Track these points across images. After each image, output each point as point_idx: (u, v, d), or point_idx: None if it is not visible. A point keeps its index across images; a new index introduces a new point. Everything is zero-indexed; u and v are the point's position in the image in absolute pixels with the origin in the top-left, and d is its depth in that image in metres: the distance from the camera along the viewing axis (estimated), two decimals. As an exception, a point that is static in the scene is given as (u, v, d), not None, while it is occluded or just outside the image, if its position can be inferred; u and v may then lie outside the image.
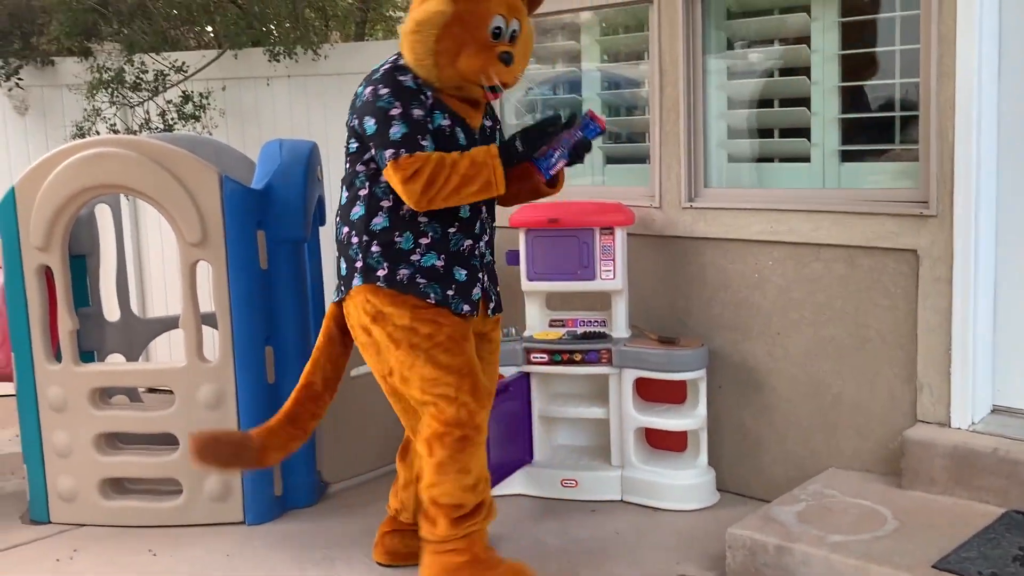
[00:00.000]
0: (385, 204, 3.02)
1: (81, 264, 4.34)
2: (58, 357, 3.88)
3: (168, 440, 3.87)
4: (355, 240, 3.05)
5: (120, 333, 4.65)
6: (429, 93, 2.96)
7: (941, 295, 3.35)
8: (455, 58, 2.90)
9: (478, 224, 3.12)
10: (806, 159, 3.84)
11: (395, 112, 2.90)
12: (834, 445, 3.69)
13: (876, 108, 3.79)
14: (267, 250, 3.81)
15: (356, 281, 3.04)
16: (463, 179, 2.87)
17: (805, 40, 3.80)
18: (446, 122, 2.98)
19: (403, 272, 3.00)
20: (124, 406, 4.28)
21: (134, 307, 5.09)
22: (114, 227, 4.70)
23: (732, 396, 3.95)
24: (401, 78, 2.95)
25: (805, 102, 3.81)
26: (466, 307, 3.07)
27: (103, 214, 4.65)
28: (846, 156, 3.76)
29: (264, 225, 3.80)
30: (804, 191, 3.78)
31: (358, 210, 3.06)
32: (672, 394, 3.95)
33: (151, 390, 5.24)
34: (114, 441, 3.97)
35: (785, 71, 3.92)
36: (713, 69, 3.99)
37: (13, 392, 3.95)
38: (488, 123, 3.18)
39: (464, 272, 3.08)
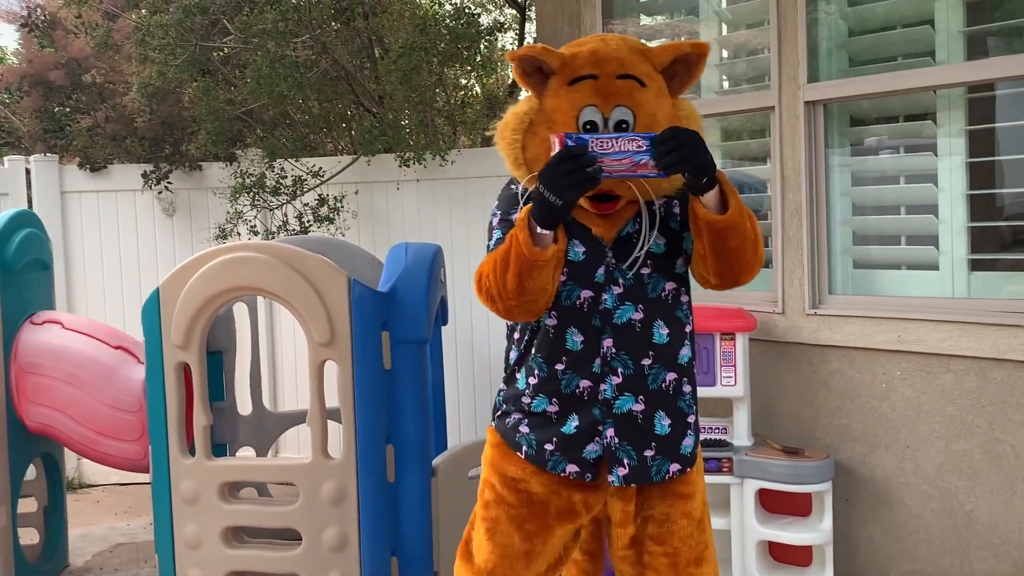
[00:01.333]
0: (516, 334, 2.51)
1: (218, 360, 4.53)
2: (192, 451, 4.03)
3: (291, 535, 3.96)
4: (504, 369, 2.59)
5: (251, 427, 4.80)
6: None
7: (1081, 411, 3.20)
8: None
9: (598, 360, 2.35)
10: (934, 267, 3.76)
11: (495, 221, 2.45)
12: (967, 566, 3.51)
13: (1007, 216, 3.70)
14: (391, 350, 3.91)
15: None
16: (503, 263, 2.24)
17: (931, 147, 3.76)
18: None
19: (514, 416, 2.48)
20: (251, 500, 4.40)
21: (266, 402, 5.26)
22: (250, 324, 4.89)
23: (860, 510, 3.82)
24: (513, 187, 2.47)
25: (933, 209, 3.75)
26: (571, 468, 2.39)
27: (240, 311, 4.86)
28: (976, 265, 3.67)
29: (388, 326, 3.91)
30: (932, 299, 3.69)
31: (506, 336, 2.60)
32: (797, 507, 3.85)
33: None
34: (240, 534, 4.08)
35: (911, 178, 3.87)
36: (837, 174, 3.97)
37: (149, 480, 4.11)
38: (636, 225, 2.35)
39: (575, 422, 2.38)
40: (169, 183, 6.33)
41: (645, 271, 2.35)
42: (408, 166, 5.97)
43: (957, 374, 3.51)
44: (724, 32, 4.52)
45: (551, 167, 2.12)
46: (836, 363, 3.86)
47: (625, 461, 2.35)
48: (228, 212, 6.01)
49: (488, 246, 2.42)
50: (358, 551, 3.84)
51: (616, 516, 2.43)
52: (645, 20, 5.07)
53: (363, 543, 3.82)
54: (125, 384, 4.27)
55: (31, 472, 4.67)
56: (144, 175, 6.31)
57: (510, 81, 8.43)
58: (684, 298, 2.42)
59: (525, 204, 2.28)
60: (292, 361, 6.25)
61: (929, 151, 3.77)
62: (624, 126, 2.25)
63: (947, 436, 3.56)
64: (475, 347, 5.96)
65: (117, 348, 4.39)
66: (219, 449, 4.38)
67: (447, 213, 6.06)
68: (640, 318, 2.34)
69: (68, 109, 7.46)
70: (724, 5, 4.52)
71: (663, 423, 2.36)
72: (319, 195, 6.02)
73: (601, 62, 2.29)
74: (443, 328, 4.53)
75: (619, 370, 2.34)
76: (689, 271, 2.42)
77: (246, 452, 4.83)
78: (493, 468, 2.49)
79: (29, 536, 4.70)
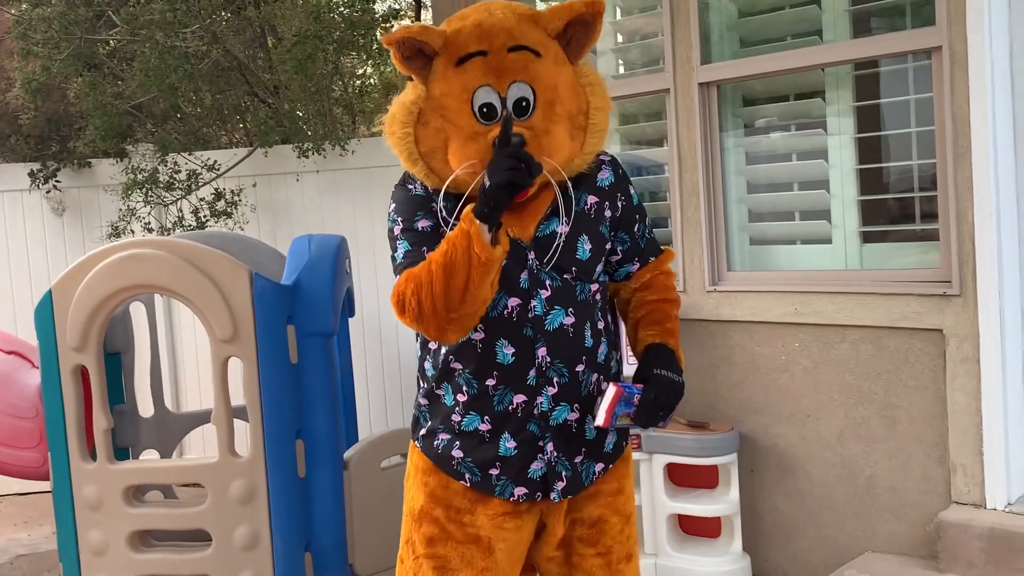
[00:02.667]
0: (431, 344, 2.29)
1: (116, 361, 4.41)
2: (93, 456, 3.92)
3: (201, 536, 3.88)
4: (419, 378, 2.38)
5: (154, 429, 4.70)
6: (447, 204, 2.18)
7: (969, 375, 3.33)
8: (447, 159, 2.13)
9: (533, 372, 2.18)
10: (828, 241, 3.87)
11: (397, 230, 2.22)
12: (870, 528, 3.64)
13: (895, 189, 3.83)
14: (297, 344, 3.86)
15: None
16: (445, 270, 2.02)
17: (821, 124, 3.86)
18: None
19: (442, 438, 2.27)
20: (158, 503, 4.31)
21: (168, 402, 5.15)
22: (148, 323, 4.78)
23: (765, 480, 3.92)
24: (410, 186, 2.25)
25: (824, 184, 3.86)
26: (520, 491, 2.23)
27: (138, 311, 4.74)
28: (867, 237, 3.79)
29: (294, 319, 3.86)
30: (827, 272, 3.80)
31: (419, 346, 2.37)
32: (704, 479, 3.93)
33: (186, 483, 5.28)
34: (147, 538, 3.98)
35: (803, 155, 3.97)
36: (732, 154, 4.05)
37: (49, 489, 3.99)
38: (561, 226, 2.18)
39: (511, 442, 2.21)
40: (57, 181, 6.13)
41: (569, 276, 2.20)
42: (307, 157, 5.90)
43: (853, 343, 3.63)
44: (618, 17, 4.57)
45: (498, 158, 1.99)
46: (737, 338, 3.95)
47: (563, 474, 2.23)
48: (121, 209, 5.86)
49: (395, 258, 2.20)
50: (270, 549, 3.79)
51: (551, 526, 2.32)
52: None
53: (275, 540, 3.78)
54: (20, 390, 4.14)
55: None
56: (31, 174, 6.11)
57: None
58: (600, 297, 2.29)
59: (464, 204, 2.09)
60: (194, 360, 6.12)
61: (819, 128, 3.88)
62: (524, 104, 2.08)
63: (846, 404, 3.67)
64: (383, 337, 5.93)
65: (10, 353, 4.26)
66: (121, 453, 4.27)
67: (350, 203, 6.01)
68: (572, 322, 2.20)
69: (-53, 107, 7.16)
70: (617, -11, 4.57)
71: (592, 427, 2.24)
72: (215, 189, 5.91)
73: (488, 35, 2.10)
74: (350, 319, 4.49)
75: (555, 380, 2.19)
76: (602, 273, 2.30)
77: (149, 455, 4.72)
78: (433, 499, 2.27)
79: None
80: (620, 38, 4.61)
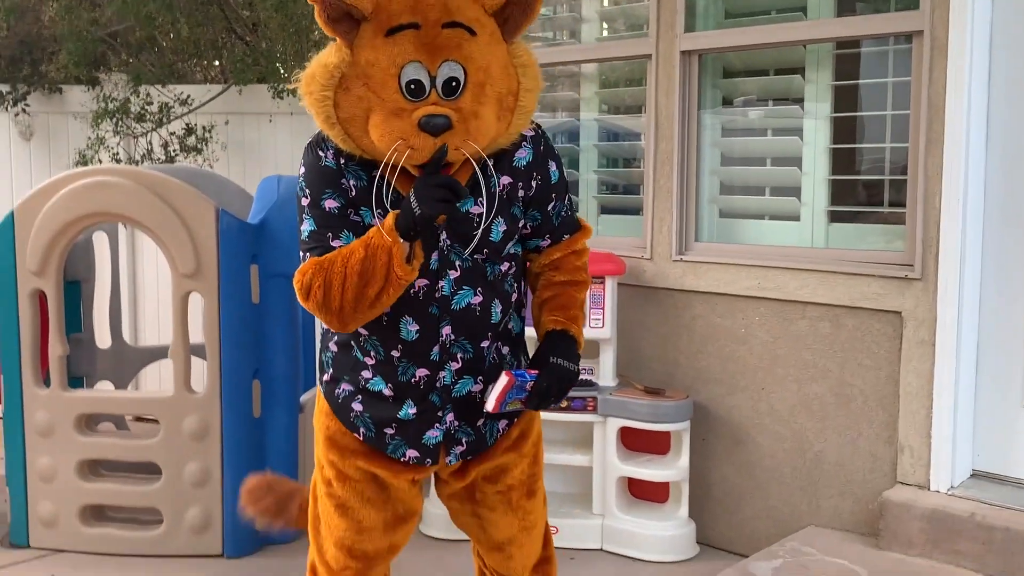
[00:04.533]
0: None
1: (75, 290, 4.37)
2: (47, 382, 3.90)
3: (151, 469, 3.88)
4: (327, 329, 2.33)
5: (110, 360, 4.67)
6: (361, 175, 2.14)
7: (924, 358, 3.38)
8: (367, 128, 2.05)
9: (436, 349, 2.19)
10: (796, 218, 3.89)
11: (304, 203, 2.16)
12: (814, 503, 3.70)
13: (866, 171, 3.85)
14: (260, 284, 3.84)
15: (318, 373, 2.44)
16: (361, 277, 2.02)
17: (799, 101, 3.87)
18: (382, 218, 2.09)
19: (344, 388, 2.29)
20: (109, 433, 4.29)
21: (126, 335, 5.12)
22: (110, 254, 4.73)
23: (716, 449, 3.96)
24: (321, 153, 2.16)
25: (797, 162, 3.87)
26: (411, 453, 2.26)
27: (101, 241, 4.69)
28: (835, 216, 3.82)
29: (258, 259, 3.84)
30: (792, 249, 3.82)
31: None
32: (656, 445, 3.97)
33: (139, 419, 5.25)
34: (97, 468, 3.97)
35: (778, 131, 3.99)
36: (708, 126, 4.06)
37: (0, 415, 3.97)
38: (476, 206, 2.15)
39: (413, 408, 2.23)
40: (27, 105, 6.02)
41: (480, 256, 2.17)
42: (282, 98, 5.82)
43: (812, 320, 3.67)
44: (605, -22, 4.54)
45: (429, 187, 1.99)
46: (699, 308, 3.98)
47: (464, 440, 2.28)
48: (89, 138, 5.76)
49: (301, 232, 2.15)
50: (221, 486, 3.80)
51: (446, 477, 2.37)
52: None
53: (226, 478, 3.79)
54: (-25, 311, 4.08)
55: None
56: (0, 96, 5.99)
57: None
58: (512, 270, 2.26)
59: (381, 179, 2.09)
60: (155, 293, 6.06)
61: (796, 105, 3.89)
62: (454, 84, 2.00)
63: (801, 379, 3.71)
64: (346, 285, 5.90)
65: (-34, 274, 4.18)
66: (75, 382, 4.25)
67: (321, 148, 5.94)
68: (479, 301, 2.19)
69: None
70: (606, -50, 4.54)
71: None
72: (186, 124, 5.83)
73: (423, 7, 2.00)
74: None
75: (458, 355, 2.20)
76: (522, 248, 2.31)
77: (104, 387, 4.69)
78: (331, 443, 2.31)
79: None
80: (605, 2, 4.59)
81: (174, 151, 5.79)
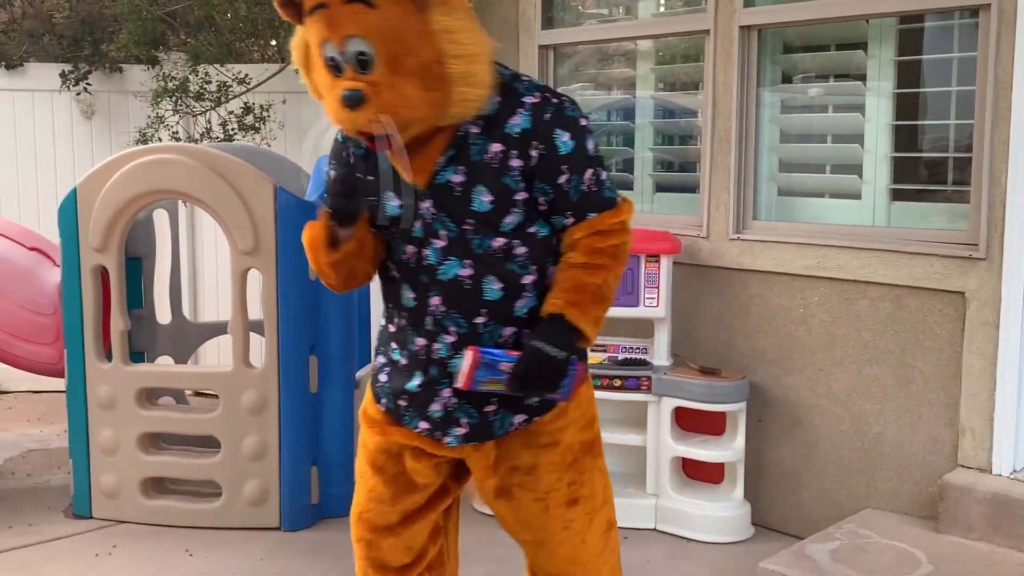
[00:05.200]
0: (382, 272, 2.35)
1: (137, 266, 4.44)
2: (109, 356, 3.97)
3: (210, 443, 3.94)
4: None
5: (170, 336, 4.74)
6: (360, 145, 2.19)
7: (987, 339, 3.31)
8: None
9: (429, 319, 2.19)
10: (857, 196, 3.83)
11: (330, 172, 2.33)
12: (872, 485, 3.65)
13: (929, 148, 3.78)
14: (316, 261, 3.86)
15: None
16: (311, 250, 2.25)
17: (861, 77, 3.80)
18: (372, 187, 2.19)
19: (379, 360, 2.35)
20: (170, 407, 4.36)
21: (186, 311, 5.19)
22: (171, 232, 4.80)
23: (772, 431, 3.93)
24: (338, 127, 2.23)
25: (858, 139, 3.81)
26: (423, 424, 2.26)
27: (161, 219, 4.75)
28: (897, 195, 3.75)
29: (315, 236, 3.86)
30: (853, 228, 3.76)
31: None
32: (711, 425, 3.94)
33: (198, 393, 5.33)
34: (158, 441, 4.05)
35: (839, 107, 3.92)
36: (767, 102, 4.00)
37: (63, 388, 4.05)
38: (456, 175, 2.12)
39: (419, 379, 2.24)
40: (88, 84, 6.11)
41: (468, 227, 2.12)
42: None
43: (873, 300, 3.61)
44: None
45: (333, 180, 2.22)
46: (756, 287, 3.93)
47: (464, 420, 2.23)
48: (149, 116, 5.83)
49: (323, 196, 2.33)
50: (278, 460, 3.85)
51: (475, 470, 2.32)
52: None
53: (283, 452, 3.84)
54: (40, 286, 4.17)
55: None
56: (62, 75, 6.08)
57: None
58: (520, 250, 2.16)
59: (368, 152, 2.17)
60: (214, 270, 6.14)
61: (858, 81, 3.81)
62: (363, 58, 1.99)
63: (860, 361, 3.66)
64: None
65: (32, 249, 4.27)
66: (136, 357, 4.32)
67: (376, 127, 5.96)
68: (469, 274, 2.14)
69: (-19, 3, 7.12)
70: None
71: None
72: (244, 103, 5.87)
73: None
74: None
75: (452, 329, 2.17)
76: (529, 224, 2.18)
77: (164, 362, 4.76)
78: (364, 416, 2.39)
79: (-62, 440, 4.61)
80: (663, -24, 4.54)
81: (232, 130, 5.84)
